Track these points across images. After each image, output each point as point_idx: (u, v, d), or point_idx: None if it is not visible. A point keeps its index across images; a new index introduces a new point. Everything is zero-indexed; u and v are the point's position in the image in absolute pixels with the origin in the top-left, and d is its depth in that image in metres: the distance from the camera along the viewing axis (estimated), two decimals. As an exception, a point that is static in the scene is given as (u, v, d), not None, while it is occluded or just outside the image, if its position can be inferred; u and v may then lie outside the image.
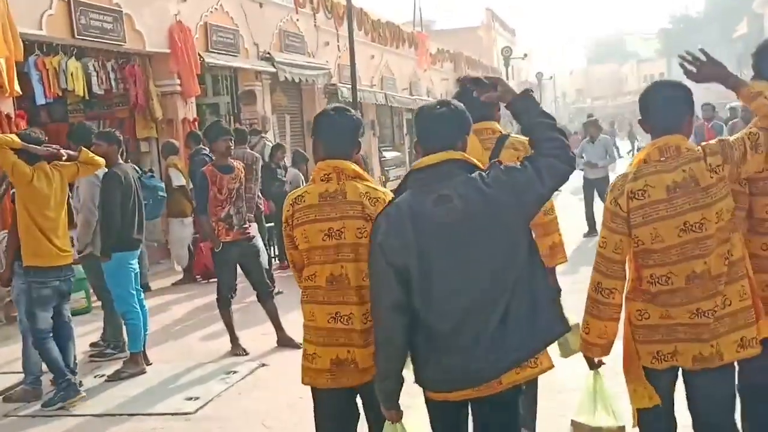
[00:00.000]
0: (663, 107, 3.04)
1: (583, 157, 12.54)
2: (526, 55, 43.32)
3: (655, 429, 3.14)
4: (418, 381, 2.81)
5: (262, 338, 7.23)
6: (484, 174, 2.72)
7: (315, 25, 18.89)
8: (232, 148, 7.03)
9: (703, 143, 3.02)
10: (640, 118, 3.13)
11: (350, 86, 16.83)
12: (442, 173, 2.72)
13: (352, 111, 3.37)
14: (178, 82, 12.77)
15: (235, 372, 6.32)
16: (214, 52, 14.12)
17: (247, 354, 6.84)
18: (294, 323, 7.18)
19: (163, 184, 10.49)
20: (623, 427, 3.31)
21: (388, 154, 23.54)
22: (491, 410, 2.76)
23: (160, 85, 12.68)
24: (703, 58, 3.14)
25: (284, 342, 7.00)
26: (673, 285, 2.94)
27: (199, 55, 13.22)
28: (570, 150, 2.74)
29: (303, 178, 10.69)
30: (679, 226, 2.91)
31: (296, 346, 6.87)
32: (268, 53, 15.88)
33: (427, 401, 2.86)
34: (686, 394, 3.11)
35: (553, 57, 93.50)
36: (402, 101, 24.07)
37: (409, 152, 24.54)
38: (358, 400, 3.33)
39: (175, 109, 12.76)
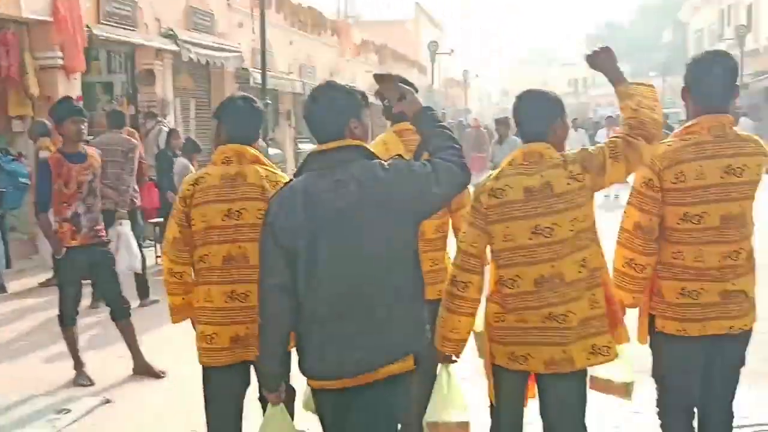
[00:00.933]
0: (530, 115, 3.09)
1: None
2: (452, 50, 42.62)
3: (503, 425, 3.19)
4: (299, 367, 2.77)
5: (116, 363, 6.01)
6: (384, 162, 2.70)
7: (228, 4, 17.57)
8: (85, 131, 5.73)
9: (565, 151, 3.06)
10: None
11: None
12: (339, 158, 2.69)
13: (258, 101, 3.48)
14: (61, 55, 11.34)
15: (67, 411, 5.06)
16: (107, 25, 12.71)
17: (92, 384, 5.60)
18: (166, 340, 6.24)
19: (27, 170, 9.13)
20: (467, 423, 3.26)
21: (305, 147, 22.30)
22: (368, 400, 2.70)
23: (38, 57, 11.28)
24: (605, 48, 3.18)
25: (141, 370, 5.81)
26: (520, 288, 2.99)
27: (87, 26, 11.79)
28: (465, 164, 2.74)
29: (193, 169, 9.41)
30: (530, 228, 2.95)
31: (156, 374, 5.76)
32: (171, 30, 14.49)
33: (312, 389, 2.84)
34: (539, 398, 3.12)
35: (480, 56, 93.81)
36: (322, 92, 22.84)
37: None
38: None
39: (55, 85, 11.30)
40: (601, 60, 3.13)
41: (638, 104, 2.99)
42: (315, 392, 2.81)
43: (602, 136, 18.26)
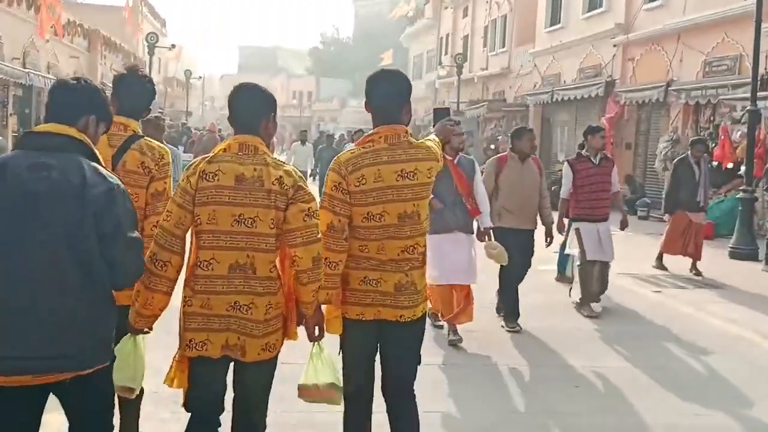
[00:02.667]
0: (242, 109, 3.24)
1: None
2: (173, 45, 39.89)
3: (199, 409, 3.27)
4: None
5: None
6: (99, 167, 2.78)
7: None
8: None
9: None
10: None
11: None
12: (54, 143, 2.77)
13: None
14: None
15: None
16: None
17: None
18: None
19: None
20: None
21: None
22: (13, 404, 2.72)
23: None
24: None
25: None
26: (214, 271, 3.11)
27: None
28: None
29: None
30: (234, 216, 3.10)
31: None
32: None
33: None
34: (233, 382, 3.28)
35: (205, 59, 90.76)
36: (11, 73, 19.46)
37: (14, 137, 19.94)
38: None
39: None
40: None
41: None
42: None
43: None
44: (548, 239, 7.38)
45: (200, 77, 63.37)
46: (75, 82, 3.00)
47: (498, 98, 31.18)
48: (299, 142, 19.32)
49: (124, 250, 2.80)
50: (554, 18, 26.14)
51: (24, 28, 21.99)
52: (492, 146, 30.07)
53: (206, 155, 3.18)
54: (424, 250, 3.49)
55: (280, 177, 3.12)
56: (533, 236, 7.40)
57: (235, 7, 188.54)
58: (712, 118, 17.13)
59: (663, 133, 19.10)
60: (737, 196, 12.72)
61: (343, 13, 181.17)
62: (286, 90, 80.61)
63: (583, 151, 8.12)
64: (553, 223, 7.46)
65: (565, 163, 8.28)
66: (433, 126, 3.90)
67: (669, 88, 17.99)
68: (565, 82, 24.64)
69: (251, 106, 3.22)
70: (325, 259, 3.28)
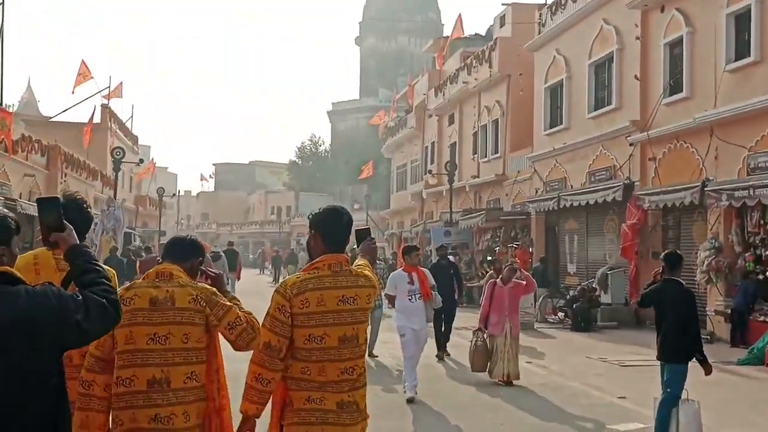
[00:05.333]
0: (172, 245, 3.75)
1: None
2: (141, 161, 37.56)
3: None
4: None
5: None
6: (30, 288, 2.64)
7: None
8: None
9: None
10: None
11: None
12: None
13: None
14: None
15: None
16: None
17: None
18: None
19: None
20: None
21: None
22: None
23: None
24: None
25: None
26: (134, 387, 3.36)
27: None
28: (117, 301, 2.77)
29: None
30: (149, 335, 3.40)
31: None
32: None
33: None
34: None
35: (182, 176, 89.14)
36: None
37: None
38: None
39: None
40: None
41: None
42: None
43: None
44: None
45: (174, 195, 61.22)
46: None
47: (493, 207, 28.89)
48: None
49: None
50: (554, 119, 24.15)
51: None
52: (489, 257, 27.63)
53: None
54: (362, 371, 3.63)
55: (195, 296, 3.51)
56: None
57: (212, 123, 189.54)
58: (762, 221, 14.71)
59: (698, 240, 16.64)
60: None
61: (321, 126, 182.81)
62: (265, 206, 78.62)
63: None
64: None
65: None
66: (357, 246, 4.10)
67: (705, 189, 15.64)
68: (572, 186, 22.37)
69: (182, 246, 3.76)
70: (259, 375, 3.53)
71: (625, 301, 18.91)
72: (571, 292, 19.80)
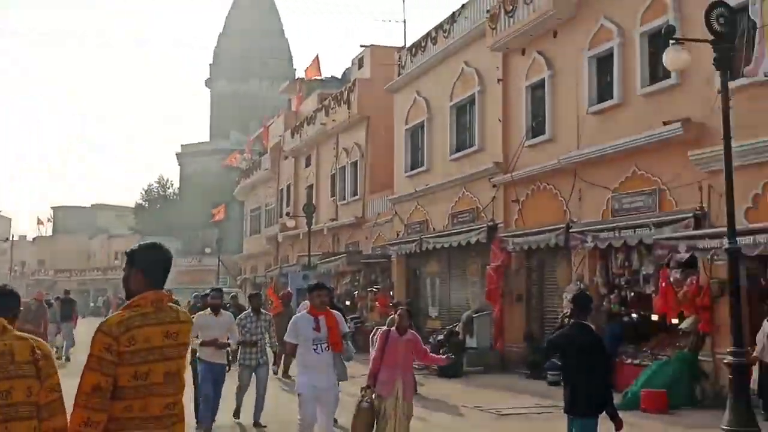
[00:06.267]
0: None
1: None
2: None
3: None
4: None
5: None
6: None
7: None
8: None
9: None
10: None
11: None
12: None
13: None
14: None
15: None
16: None
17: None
18: None
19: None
20: None
21: None
22: None
23: None
24: None
25: None
26: None
27: None
28: None
29: None
30: None
31: None
32: None
33: None
34: None
35: (15, 220, 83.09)
36: None
37: None
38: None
39: None
40: None
41: None
42: None
43: None
44: None
45: (7, 239, 56.69)
46: None
47: (353, 249, 28.18)
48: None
49: None
50: (415, 161, 23.86)
51: None
52: (348, 302, 26.89)
53: None
54: (182, 407, 3.69)
55: (33, 348, 3.45)
56: None
57: (50, 164, 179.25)
58: (626, 263, 14.73)
59: (563, 282, 16.55)
60: (726, 361, 9.86)
61: (169, 168, 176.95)
62: (107, 251, 74.37)
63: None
64: None
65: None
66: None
67: (570, 230, 15.58)
68: (434, 228, 22.03)
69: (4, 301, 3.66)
70: (87, 419, 3.46)
71: (490, 345, 18.56)
72: (436, 337, 19.24)
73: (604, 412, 6.09)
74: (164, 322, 3.64)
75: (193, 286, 51.84)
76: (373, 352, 8.66)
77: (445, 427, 10.31)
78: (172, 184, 76.15)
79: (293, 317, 8.21)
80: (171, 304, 3.78)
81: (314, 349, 7.46)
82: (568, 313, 14.54)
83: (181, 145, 78.45)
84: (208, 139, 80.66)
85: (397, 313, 8.68)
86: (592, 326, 6.32)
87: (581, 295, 6.47)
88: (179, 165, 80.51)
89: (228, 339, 9.74)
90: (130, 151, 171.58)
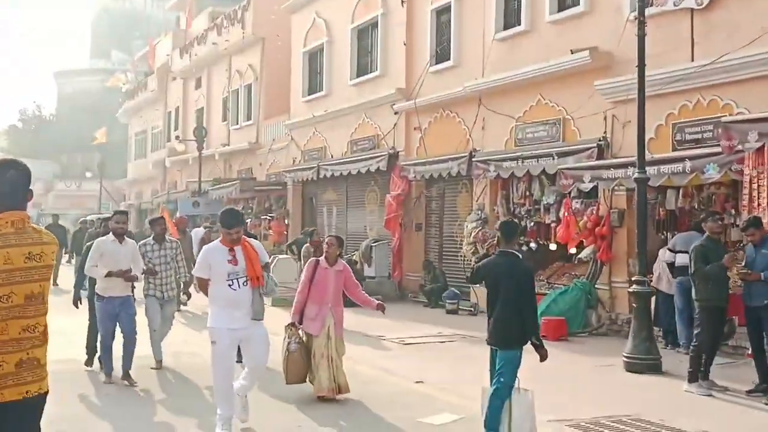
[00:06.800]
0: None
1: None
2: None
3: None
4: None
5: None
6: None
7: None
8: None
9: None
10: None
11: None
12: None
13: None
14: None
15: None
16: None
17: None
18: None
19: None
20: None
21: None
22: None
23: None
24: None
25: None
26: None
27: None
28: None
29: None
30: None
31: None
32: None
33: None
34: None
35: None
36: None
37: None
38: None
39: None
40: None
41: None
42: None
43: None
44: None
45: None
46: None
47: (246, 176, 27.34)
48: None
49: None
50: (314, 85, 23.09)
51: None
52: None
53: None
54: (44, 329, 3.55)
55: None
56: None
57: None
58: (528, 192, 14.76)
59: (463, 212, 16.50)
60: (630, 289, 9.98)
61: (47, 90, 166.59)
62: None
63: None
64: None
65: None
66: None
67: (473, 159, 15.44)
68: (332, 155, 21.51)
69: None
70: None
71: (388, 274, 18.46)
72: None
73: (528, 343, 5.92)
74: (26, 243, 3.50)
75: (73, 211, 49.57)
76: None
77: (356, 359, 9.81)
78: (49, 106, 72.04)
79: (204, 248, 6.91)
80: (33, 225, 3.62)
81: (230, 285, 6.40)
82: (495, 242, 14.50)
83: (59, 65, 74.10)
84: (88, 59, 76.45)
85: (326, 241, 7.93)
86: (519, 254, 6.10)
87: (508, 222, 6.22)
88: (57, 86, 76.11)
89: (131, 270, 8.73)
90: (3, 72, 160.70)
